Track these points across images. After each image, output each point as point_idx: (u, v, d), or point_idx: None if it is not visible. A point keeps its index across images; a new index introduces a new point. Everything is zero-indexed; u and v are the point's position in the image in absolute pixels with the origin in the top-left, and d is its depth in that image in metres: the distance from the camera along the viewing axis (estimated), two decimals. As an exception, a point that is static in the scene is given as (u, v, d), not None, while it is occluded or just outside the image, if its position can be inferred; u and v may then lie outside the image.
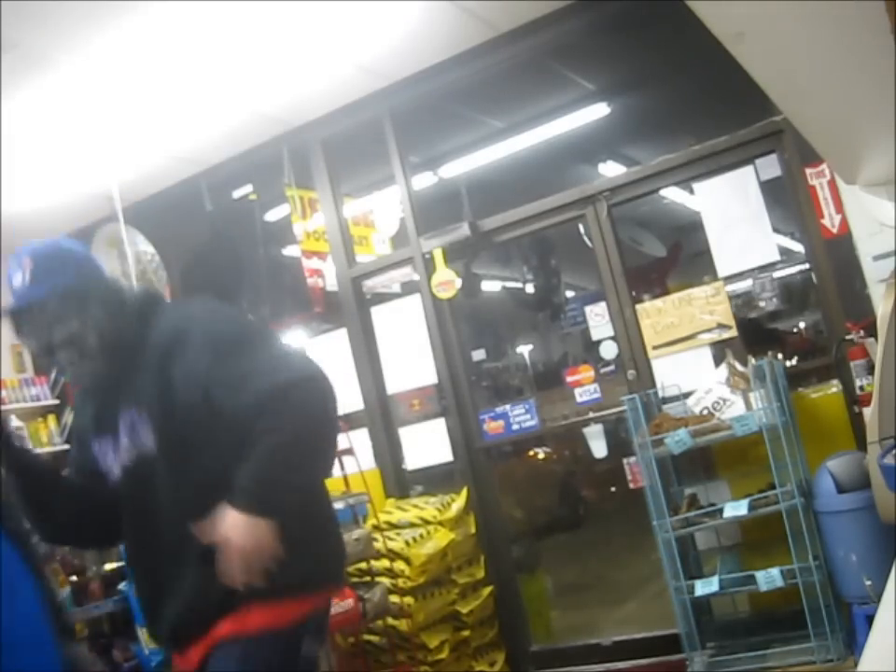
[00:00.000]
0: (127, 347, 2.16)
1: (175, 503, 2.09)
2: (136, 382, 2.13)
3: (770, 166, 4.43)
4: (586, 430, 5.13)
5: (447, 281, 5.09)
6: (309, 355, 2.35)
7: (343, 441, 4.75)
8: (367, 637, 4.53)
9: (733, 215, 4.49)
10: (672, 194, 6.44)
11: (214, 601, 2.03)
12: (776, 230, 4.61)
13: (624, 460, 4.62)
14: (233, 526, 1.92)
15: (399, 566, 4.49)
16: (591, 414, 4.89)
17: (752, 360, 4.08)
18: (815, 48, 2.09)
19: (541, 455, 8.67)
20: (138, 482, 2.14)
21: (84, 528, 2.30)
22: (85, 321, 2.12)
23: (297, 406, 2.02)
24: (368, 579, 4.49)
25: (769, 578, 3.81)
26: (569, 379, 4.92)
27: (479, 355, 5.55)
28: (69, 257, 2.19)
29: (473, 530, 4.93)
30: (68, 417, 6.28)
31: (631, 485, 4.60)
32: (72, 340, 2.11)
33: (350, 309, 5.42)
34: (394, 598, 4.42)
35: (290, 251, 6.15)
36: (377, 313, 5.40)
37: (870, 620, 1.86)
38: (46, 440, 6.16)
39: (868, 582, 3.50)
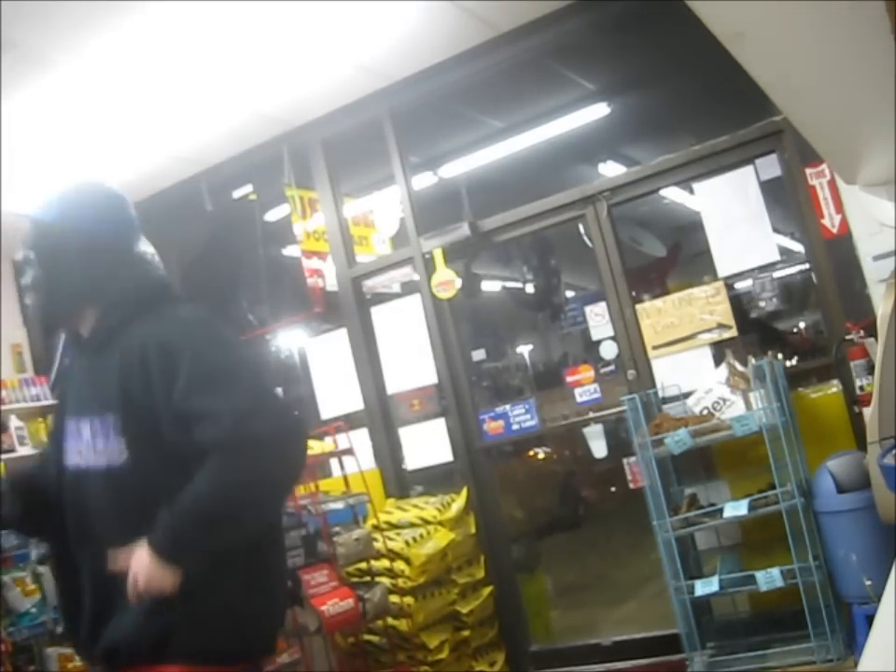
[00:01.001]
0: (102, 325, 2.05)
1: (115, 520, 1.97)
2: (108, 378, 1.97)
3: (770, 166, 4.43)
4: (586, 430, 5.13)
5: (447, 281, 5.09)
6: (287, 406, 2.11)
7: (343, 441, 4.76)
8: (367, 636, 4.53)
9: (733, 215, 4.49)
10: (672, 194, 6.44)
11: (143, 634, 1.91)
12: (776, 230, 4.61)
13: (624, 460, 4.62)
14: (142, 566, 1.84)
15: (399, 566, 4.49)
16: (591, 414, 4.89)
17: (752, 360, 4.08)
18: (815, 48, 2.09)
19: (541, 455, 8.67)
20: (90, 484, 2.00)
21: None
22: (75, 250, 2.06)
23: (249, 464, 1.84)
24: (368, 579, 4.49)
25: (769, 578, 3.81)
26: (569, 379, 4.92)
27: (479, 355, 5.55)
28: (90, 201, 2.18)
29: (473, 530, 4.93)
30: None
31: (631, 485, 4.60)
32: (44, 258, 2.07)
33: (350, 309, 5.42)
34: (394, 598, 4.42)
35: (290, 251, 6.15)
36: (377, 313, 5.40)
37: (870, 620, 1.86)
38: (46, 440, 6.16)
39: (868, 582, 3.50)
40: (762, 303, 4.58)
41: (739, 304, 4.82)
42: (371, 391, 5.33)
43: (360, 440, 5.10)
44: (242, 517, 1.89)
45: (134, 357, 1.94)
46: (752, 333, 5.35)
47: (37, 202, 2.12)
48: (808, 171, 4.26)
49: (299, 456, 1.94)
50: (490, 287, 8.97)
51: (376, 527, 4.61)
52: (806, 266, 4.57)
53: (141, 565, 1.83)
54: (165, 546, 1.84)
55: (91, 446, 1.98)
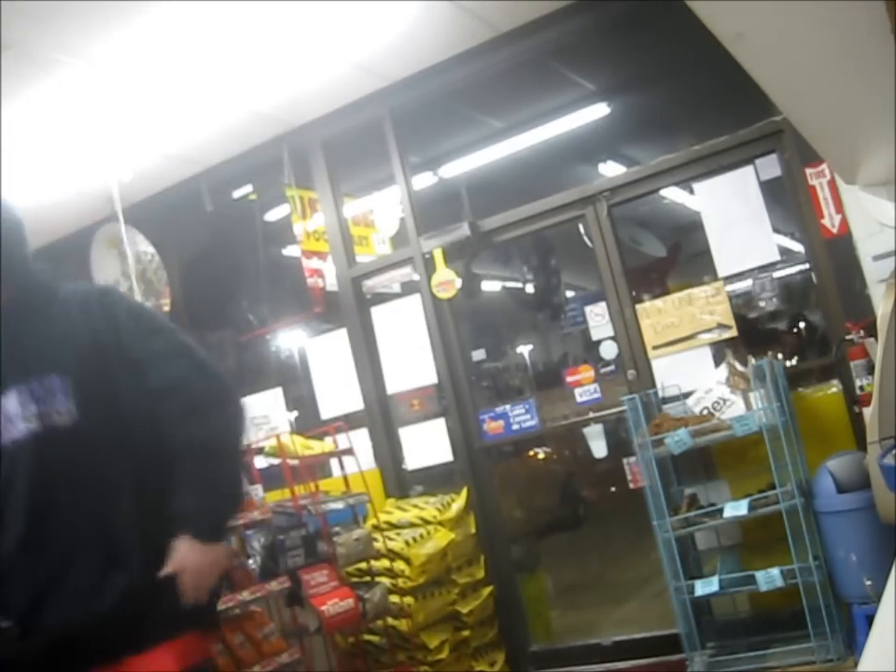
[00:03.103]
0: (17, 272, 2.01)
1: (98, 483, 1.89)
2: (48, 339, 1.93)
3: (770, 166, 4.43)
4: (586, 430, 5.13)
5: (447, 281, 5.09)
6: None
7: (343, 441, 4.76)
8: (367, 636, 4.53)
9: (733, 215, 4.49)
10: (672, 194, 6.44)
11: (131, 612, 1.85)
12: (776, 230, 4.61)
13: (624, 460, 4.62)
14: (190, 559, 1.84)
15: (399, 566, 4.49)
16: (591, 414, 4.89)
17: (752, 360, 4.08)
18: (815, 48, 2.09)
19: (541, 455, 8.67)
20: (46, 454, 1.89)
21: None
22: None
23: (226, 419, 1.92)
24: (368, 579, 4.49)
25: (769, 578, 3.81)
26: (569, 379, 4.92)
27: (479, 355, 5.55)
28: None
29: (473, 530, 4.93)
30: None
31: (631, 485, 4.60)
32: None
33: (350, 309, 5.42)
34: (394, 598, 4.42)
35: (290, 251, 6.15)
36: (377, 313, 5.40)
37: (870, 620, 1.86)
38: None
39: (868, 582, 3.50)
40: (762, 303, 4.58)
41: (739, 304, 4.82)
42: (370, 391, 5.33)
43: (360, 440, 5.11)
44: (236, 464, 2.01)
45: (75, 316, 1.94)
46: (752, 333, 5.35)
47: None
48: (808, 171, 4.27)
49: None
50: (490, 287, 8.98)
51: (376, 527, 4.61)
52: (806, 266, 4.57)
53: (197, 562, 1.84)
54: (208, 528, 1.87)
55: (50, 407, 1.89)
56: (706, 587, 3.94)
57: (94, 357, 1.92)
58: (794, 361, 5.37)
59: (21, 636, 1.84)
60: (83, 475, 1.90)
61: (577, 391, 4.86)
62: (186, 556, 1.84)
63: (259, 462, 4.92)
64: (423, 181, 5.95)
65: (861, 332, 3.94)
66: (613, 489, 7.59)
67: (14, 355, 1.93)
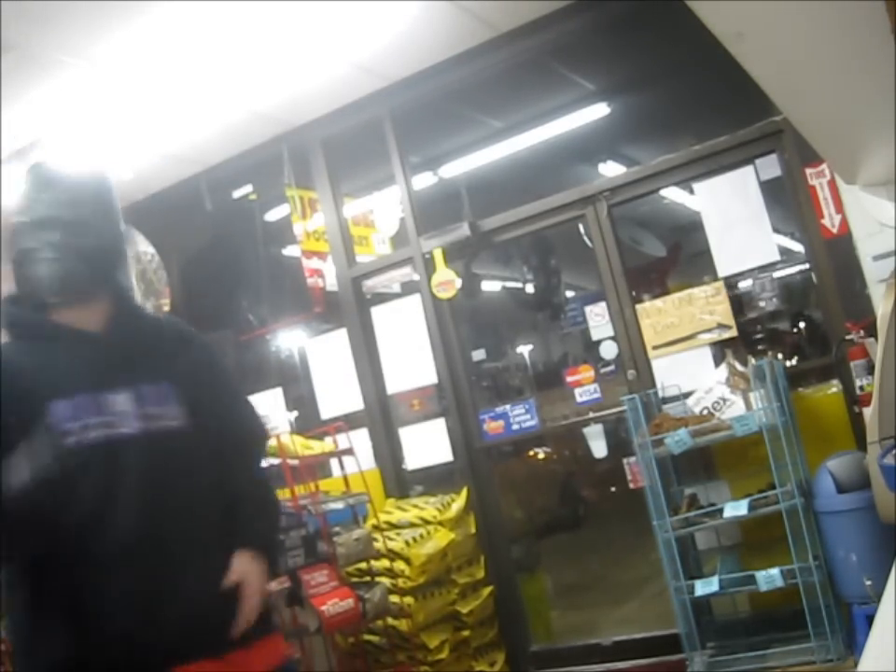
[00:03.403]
0: (120, 283, 2.10)
1: (198, 489, 1.99)
2: (158, 350, 2.06)
3: (770, 166, 4.43)
4: (586, 430, 5.13)
5: (447, 281, 5.09)
6: None
7: (343, 441, 4.76)
8: (367, 636, 4.53)
9: (733, 215, 4.49)
10: (672, 194, 6.44)
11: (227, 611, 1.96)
12: (776, 230, 4.61)
13: (624, 460, 4.62)
14: (254, 572, 2.01)
15: (399, 566, 4.49)
16: (591, 414, 4.89)
17: (752, 360, 4.08)
18: (815, 48, 2.09)
19: (541, 455, 8.67)
20: (157, 453, 1.92)
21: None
22: (92, 218, 2.13)
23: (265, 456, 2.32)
24: (368, 579, 4.49)
25: (769, 578, 3.80)
26: (569, 379, 4.92)
27: (479, 355, 5.55)
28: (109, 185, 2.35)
29: (473, 530, 4.93)
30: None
31: (631, 485, 4.60)
32: (70, 225, 2.01)
33: (350, 309, 5.42)
34: (394, 598, 4.42)
35: (290, 251, 6.15)
36: (377, 313, 5.40)
37: (870, 620, 1.86)
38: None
39: (868, 582, 3.50)
40: (762, 303, 4.58)
41: (739, 304, 4.81)
42: (370, 391, 5.33)
43: (360, 440, 5.11)
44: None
45: (176, 331, 2.17)
46: (752, 333, 5.35)
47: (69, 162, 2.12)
48: (808, 171, 4.26)
49: None
50: (490, 286, 8.98)
51: (376, 527, 4.61)
52: (806, 266, 4.57)
53: (253, 570, 2.01)
54: (266, 545, 2.09)
55: (164, 410, 1.97)
56: (706, 587, 3.94)
57: (193, 378, 2.07)
58: (794, 361, 5.37)
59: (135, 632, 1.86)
60: (187, 479, 1.99)
61: (577, 391, 4.86)
62: (250, 568, 2.01)
63: (259, 462, 4.92)
64: (423, 181, 5.95)
65: (861, 332, 3.94)
66: (613, 489, 7.60)
67: (124, 357, 1.99)
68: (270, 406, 5.64)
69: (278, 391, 5.72)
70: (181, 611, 1.88)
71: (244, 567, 1.99)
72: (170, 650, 1.85)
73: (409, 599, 4.44)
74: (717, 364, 4.37)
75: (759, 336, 5.53)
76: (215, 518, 2.01)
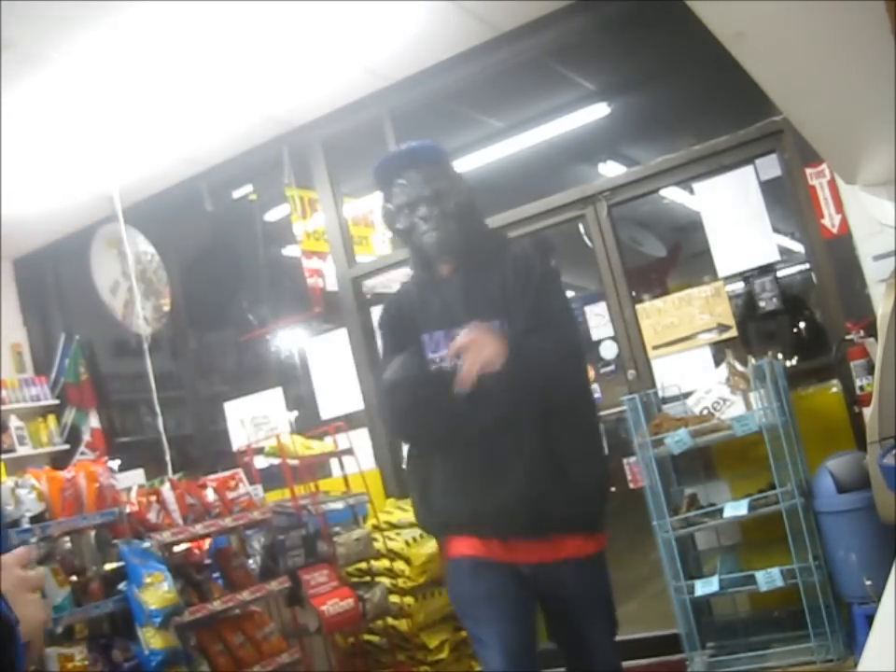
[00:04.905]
0: (478, 234, 2.46)
1: (533, 412, 2.32)
2: (498, 287, 2.38)
3: (770, 166, 4.43)
4: (586, 430, 5.11)
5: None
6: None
7: (343, 441, 4.76)
8: (367, 636, 4.53)
9: (733, 215, 4.49)
10: (672, 194, 6.43)
11: (556, 508, 2.34)
12: (776, 230, 4.61)
13: (624, 460, 4.62)
14: (483, 340, 2.24)
15: (399, 566, 4.49)
16: (591, 414, 4.87)
17: (752, 360, 4.08)
18: (815, 48, 2.09)
19: (541, 455, 8.65)
20: (490, 385, 2.26)
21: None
22: (453, 188, 2.42)
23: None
24: (368, 579, 4.49)
25: (769, 578, 3.80)
26: (569, 379, 4.90)
27: (479, 354, 5.53)
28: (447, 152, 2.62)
29: (473, 530, 4.92)
30: (68, 417, 6.29)
31: (631, 485, 4.60)
32: (438, 196, 2.38)
33: (350, 309, 5.42)
34: (394, 598, 4.42)
35: (290, 251, 6.14)
36: (377, 313, 5.39)
37: (870, 620, 1.86)
38: (46, 440, 6.16)
39: (868, 582, 3.50)
40: (762, 303, 4.58)
41: (739, 304, 4.82)
42: (371, 391, 5.32)
43: (360, 440, 5.10)
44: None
45: (521, 265, 2.42)
46: (752, 333, 5.35)
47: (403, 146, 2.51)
48: (808, 171, 4.26)
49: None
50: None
51: (376, 527, 4.61)
52: (806, 266, 4.57)
53: (483, 339, 2.23)
54: (513, 351, 2.25)
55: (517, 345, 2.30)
56: (706, 587, 3.94)
57: (521, 308, 2.36)
58: (794, 361, 5.36)
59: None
60: (506, 394, 2.29)
61: (577, 391, 4.84)
62: (471, 331, 2.25)
63: (259, 462, 4.92)
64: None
65: (861, 332, 3.93)
66: (613, 489, 7.57)
67: (466, 299, 2.41)
68: (270, 406, 5.65)
69: (278, 391, 5.72)
70: (507, 495, 2.33)
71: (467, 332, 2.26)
72: (500, 522, 2.36)
73: (409, 599, 4.44)
74: (717, 364, 4.37)
75: (759, 336, 5.53)
76: (531, 426, 2.33)
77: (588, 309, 4.85)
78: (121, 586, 3.60)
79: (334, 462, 4.94)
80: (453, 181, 2.45)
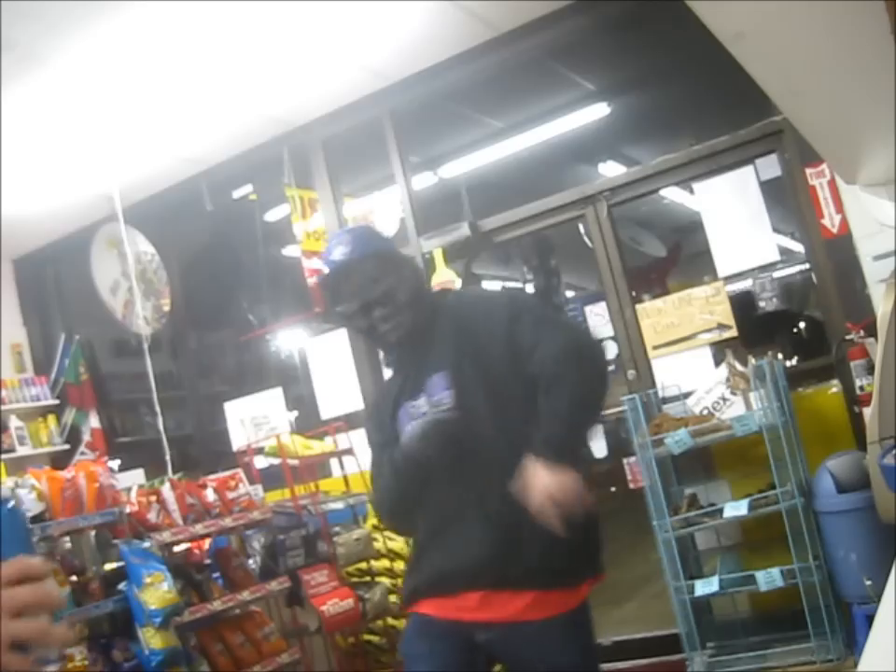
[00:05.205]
0: (428, 306, 2.37)
1: (495, 457, 2.19)
2: (444, 344, 2.30)
3: (770, 166, 4.43)
4: (586, 430, 5.11)
5: (447, 281, 5.09)
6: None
7: (343, 441, 4.76)
8: (367, 636, 4.53)
9: (733, 215, 4.49)
10: (672, 194, 6.44)
11: (531, 561, 2.14)
12: (776, 230, 4.61)
13: (624, 460, 4.62)
14: (543, 478, 2.03)
15: (399, 566, 4.49)
16: (591, 414, 4.87)
17: (752, 360, 4.08)
18: (815, 48, 2.09)
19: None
20: (457, 438, 2.21)
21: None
22: (398, 278, 2.34)
23: (587, 362, 2.22)
24: (368, 579, 4.49)
25: (769, 578, 3.80)
26: (570, 379, 4.90)
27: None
28: (377, 233, 2.60)
29: (473, 530, 4.91)
30: (68, 417, 6.29)
31: (631, 485, 4.60)
32: (387, 294, 2.31)
33: (350, 309, 5.41)
34: (394, 598, 4.42)
35: (290, 251, 6.15)
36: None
37: (870, 620, 1.86)
38: (46, 440, 6.16)
39: (868, 582, 3.50)
40: (762, 303, 4.58)
41: (739, 304, 4.81)
42: (371, 391, 5.32)
43: (360, 440, 5.09)
44: (594, 406, 2.26)
45: (463, 312, 2.35)
46: (752, 333, 5.35)
47: (336, 254, 2.41)
48: (808, 171, 4.26)
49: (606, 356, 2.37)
50: (490, 287, 8.98)
51: (376, 527, 4.61)
52: (806, 266, 4.57)
53: (541, 478, 2.03)
54: (560, 446, 2.09)
55: (436, 397, 2.24)
56: (706, 587, 3.94)
57: (475, 354, 2.26)
58: (794, 361, 5.36)
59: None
60: (469, 453, 2.21)
61: (577, 391, 4.84)
62: (534, 474, 2.05)
63: (259, 462, 4.92)
64: (423, 181, 5.95)
65: (861, 332, 3.94)
66: (613, 489, 7.58)
67: (417, 369, 2.33)
68: (270, 406, 5.65)
69: (278, 391, 5.72)
70: (490, 556, 2.16)
71: (528, 474, 2.08)
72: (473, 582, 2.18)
73: (409, 599, 4.44)
74: (717, 364, 4.37)
75: (759, 336, 5.53)
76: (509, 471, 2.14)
77: (588, 309, 4.86)
78: (121, 586, 3.60)
79: (334, 462, 4.94)
80: (396, 270, 2.36)
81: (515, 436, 2.17)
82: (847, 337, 4.02)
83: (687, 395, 4.25)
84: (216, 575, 4.05)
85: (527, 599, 2.14)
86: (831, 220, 4.23)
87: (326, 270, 2.45)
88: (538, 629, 2.14)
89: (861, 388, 3.89)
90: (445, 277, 5.09)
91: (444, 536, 2.25)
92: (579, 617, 2.22)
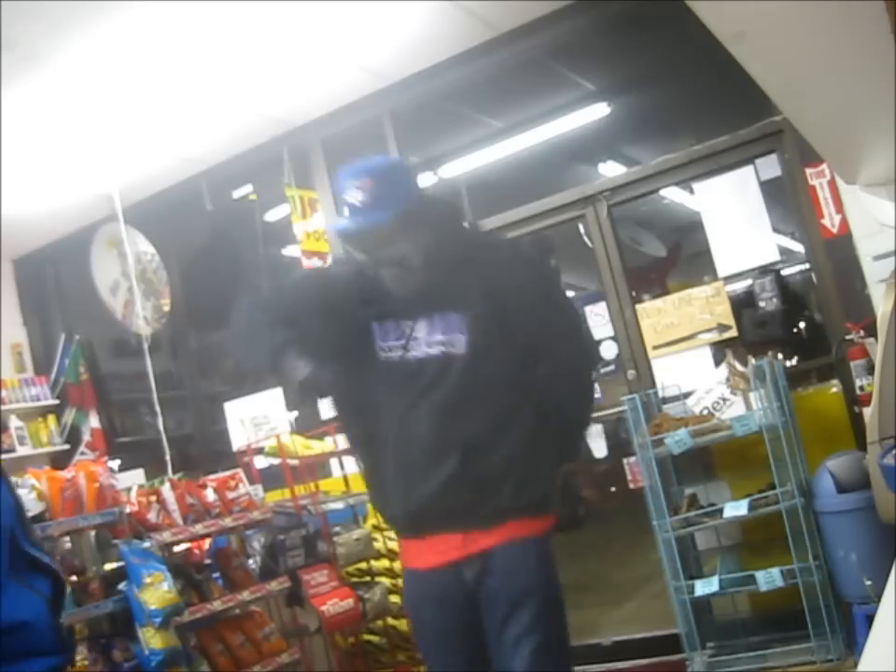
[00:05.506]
0: (447, 258, 2.31)
1: (483, 399, 2.26)
2: (457, 284, 2.28)
3: (770, 166, 4.43)
4: (586, 430, 5.11)
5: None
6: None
7: (343, 441, 4.75)
8: (367, 636, 4.53)
9: (733, 215, 4.49)
10: (672, 194, 6.43)
11: (504, 497, 2.26)
12: (776, 230, 4.61)
13: (624, 460, 4.62)
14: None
15: (399, 565, 4.49)
16: (591, 414, 4.87)
17: (752, 360, 4.08)
18: (815, 48, 2.09)
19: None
20: (439, 373, 2.26)
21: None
22: (416, 242, 2.26)
23: (589, 389, 2.49)
24: (368, 579, 4.49)
25: (769, 578, 3.80)
26: (570, 379, 4.90)
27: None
28: (405, 179, 2.37)
29: (473, 530, 4.91)
30: (68, 417, 6.29)
31: (631, 485, 4.60)
32: (402, 259, 2.25)
33: (350, 309, 5.41)
34: (394, 598, 4.42)
35: (290, 251, 6.14)
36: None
37: (870, 620, 1.86)
38: (46, 440, 6.16)
39: (868, 582, 3.50)
40: (762, 303, 4.58)
41: (739, 304, 4.81)
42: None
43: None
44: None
45: (491, 269, 2.32)
46: (752, 333, 5.34)
47: (354, 198, 2.25)
48: (808, 171, 4.26)
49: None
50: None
51: (376, 527, 4.61)
52: (806, 266, 4.57)
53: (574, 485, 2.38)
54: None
55: (453, 336, 2.28)
56: (706, 587, 3.94)
57: (488, 300, 2.28)
58: (794, 361, 5.36)
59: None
60: (469, 396, 2.27)
61: (577, 391, 4.84)
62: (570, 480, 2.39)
63: (259, 462, 4.92)
64: (423, 181, 5.94)
65: (861, 332, 3.93)
66: (613, 489, 7.58)
67: (431, 294, 2.30)
68: (270, 406, 5.65)
69: (278, 391, 5.71)
70: (433, 494, 2.26)
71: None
72: (426, 518, 2.28)
73: (409, 599, 4.44)
74: (717, 364, 4.37)
75: (759, 336, 5.52)
76: (481, 420, 2.26)
77: (588, 309, 4.85)
78: (121, 586, 3.60)
79: (334, 462, 4.94)
80: (422, 230, 2.26)
81: (500, 394, 2.27)
82: (847, 337, 4.02)
83: (687, 395, 4.25)
84: (216, 575, 4.05)
85: (504, 530, 2.27)
86: (831, 220, 4.23)
87: (347, 198, 2.25)
88: (513, 550, 2.28)
89: (861, 388, 3.89)
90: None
91: (420, 471, 2.27)
92: (546, 543, 2.41)
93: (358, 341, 2.35)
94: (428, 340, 2.30)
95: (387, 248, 2.24)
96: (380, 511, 2.55)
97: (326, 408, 5.55)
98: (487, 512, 2.26)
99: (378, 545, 4.52)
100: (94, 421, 6.29)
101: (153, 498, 3.86)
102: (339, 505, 4.50)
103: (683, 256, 7.18)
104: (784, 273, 5.21)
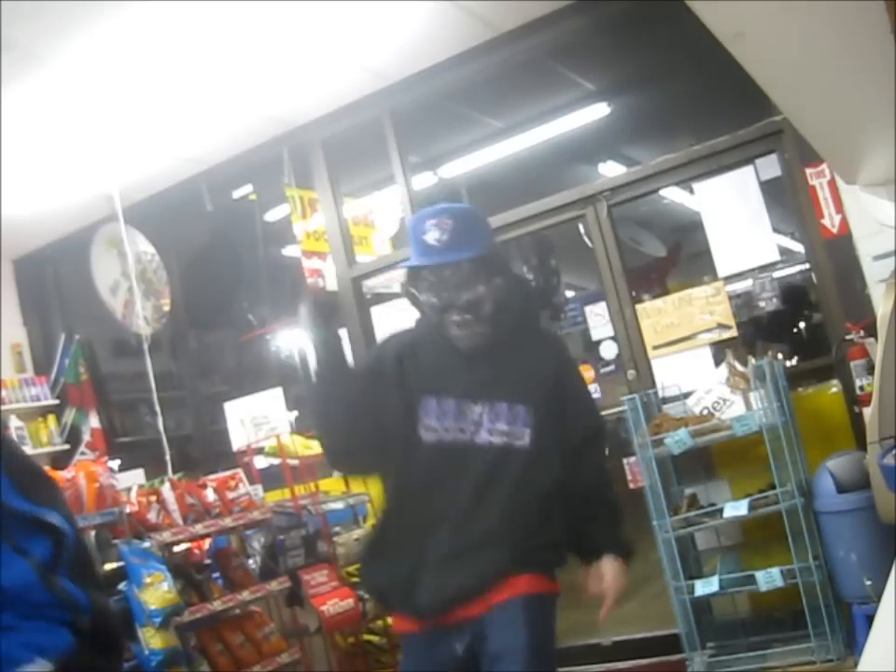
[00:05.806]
0: (515, 325, 2.29)
1: (537, 497, 2.23)
2: (522, 371, 2.26)
3: (770, 166, 4.43)
4: (586, 430, 5.10)
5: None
6: None
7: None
8: (367, 636, 4.53)
9: (733, 215, 4.49)
10: (672, 194, 6.44)
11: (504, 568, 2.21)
12: (776, 230, 4.61)
13: (624, 460, 4.62)
14: (619, 576, 2.49)
15: (399, 566, 4.49)
16: (591, 414, 4.87)
17: (752, 360, 4.08)
18: (815, 48, 2.09)
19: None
20: (485, 461, 2.20)
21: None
22: (488, 289, 2.20)
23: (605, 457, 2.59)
24: (368, 579, 4.48)
25: (769, 578, 3.80)
26: (570, 379, 4.90)
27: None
28: (485, 224, 2.34)
29: (473, 530, 4.91)
30: (68, 417, 6.29)
31: (631, 485, 4.60)
32: (473, 303, 2.19)
33: (350, 309, 5.42)
34: (394, 598, 4.42)
35: (290, 251, 6.15)
36: (377, 313, 5.40)
37: (870, 620, 1.86)
38: (46, 440, 6.16)
39: (868, 582, 3.50)
40: (762, 303, 4.58)
41: (739, 304, 4.81)
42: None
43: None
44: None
45: (550, 351, 2.36)
46: (752, 333, 5.35)
47: (432, 237, 2.19)
48: (808, 171, 4.26)
49: None
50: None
51: (376, 527, 4.61)
52: (806, 266, 4.57)
53: (618, 575, 2.50)
54: (626, 552, 2.50)
55: (515, 430, 2.22)
56: (706, 587, 3.94)
57: (547, 394, 2.27)
58: (794, 361, 5.36)
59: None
60: (517, 488, 2.22)
61: (577, 391, 4.84)
62: (618, 575, 2.49)
63: (259, 462, 4.92)
64: (423, 181, 5.94)
65: (861, 332, 3.93)
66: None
67: (490, 377, 2.25)
68: (270, 406, 5.65)
69: (278, 391, 5.72)
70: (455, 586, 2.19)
71: (614, 572, 2.47)
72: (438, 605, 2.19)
73: (409, 599, 4.44)
74: (717, 364, 4.37)
75: (759, 336, 5.53)
76: (528, 515, 2.23)
77: (588, 309, 4.85)
78: (121, 586, 3.60)
79: (334, 462, 4.93)
80: (494, 278, 2.21)
81: (551, 492, 2.26)
82: (847, 337, 4.01)
83: (687, 395, 4.25)
84: (216, 575, 4.05)
85: (495, 592, 2.21)
86: (831, 220, 4.23)
87: (425, 238, 2.18)
88: (503, 607, 2.21)
89: (861, 388, 3.89)
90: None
91: (452, 559, 2.19)
92: (545, 600, 2.36)
93: (406, 414, 2.25)
94: (490, 427, 2.22)
95: (460, 291, 2.17)
96: (375, 581, 2.41)
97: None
98: (498, 587, 2.21)
99: (378, 545, 4.52)
100: (94, 421, 6.30)
101: (153, 498, 3.86)
102: (339, 505, 4.50)
103: (683, 256, 7.18)
104: (784, 273, 5.21)
